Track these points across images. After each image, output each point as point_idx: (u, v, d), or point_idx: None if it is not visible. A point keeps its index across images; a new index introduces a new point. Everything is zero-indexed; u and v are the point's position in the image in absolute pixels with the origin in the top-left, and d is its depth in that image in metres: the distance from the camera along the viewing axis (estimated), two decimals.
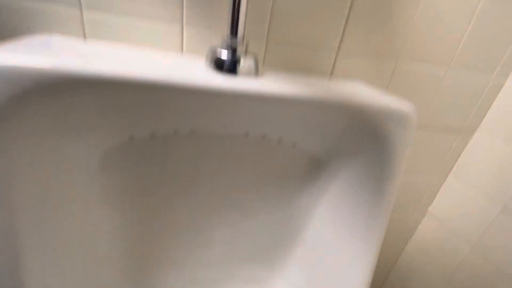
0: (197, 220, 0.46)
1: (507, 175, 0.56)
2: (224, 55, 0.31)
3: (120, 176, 0.35)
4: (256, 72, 0.33)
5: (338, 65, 0.45)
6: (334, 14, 0.40)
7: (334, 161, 0.41)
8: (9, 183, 0.24)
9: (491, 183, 0.59)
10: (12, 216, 0.24)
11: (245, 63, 0.31)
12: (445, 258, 0.70)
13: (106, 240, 0.38)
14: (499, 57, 0.50)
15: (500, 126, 0.56)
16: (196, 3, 0.35)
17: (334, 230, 0.43)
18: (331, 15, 0.40)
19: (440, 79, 0.50)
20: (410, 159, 0.61)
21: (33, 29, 0.33)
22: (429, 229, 0.73)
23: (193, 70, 0.30)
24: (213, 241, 0.51)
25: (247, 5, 0.30)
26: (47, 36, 0.33)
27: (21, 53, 0.23)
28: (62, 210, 0.30)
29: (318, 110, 0.33)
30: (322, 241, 0.45)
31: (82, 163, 0.31)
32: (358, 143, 0.36)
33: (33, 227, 0.27)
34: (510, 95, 0.54)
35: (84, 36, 0.35)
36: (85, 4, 0.33)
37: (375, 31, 0.43)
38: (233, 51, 0.31)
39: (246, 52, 0.32)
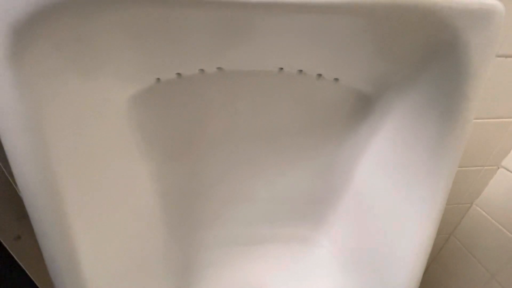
0: (233, 171, 0.44)
1: None
2: None
3: (149, 123, 0.34)
4: None
5: None
6: None
7: (388, 92, 0.34)
8: (39, 132, 0.23)
9: None
10: (50, 167, 0.24)
11: None
12: None
13: (143, 190, 0.38)
14: None
15: None
16: None
17: (388, 177, 0.37)
18: None
19: None
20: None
21: None
22: (502, 184, 0.62)
23: None
24: (250, 195, 0.49)
25: None
26: None
27: None
28: (96, 160, 0.30)
29: (368, 18, 0.26)
30: (374, 191, 0.40)
31: (111, 108, 0.30)
32: (421, 60, 0.29)
33: (70, 177, 0.27)
34: None
35: None
36: None
37: None
38: None
39: None
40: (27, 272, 0.50)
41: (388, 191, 0.37)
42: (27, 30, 0.20)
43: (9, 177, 0.44)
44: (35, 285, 0.52)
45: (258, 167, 0.45)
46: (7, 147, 0.23)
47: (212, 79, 0.33)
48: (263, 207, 0.53)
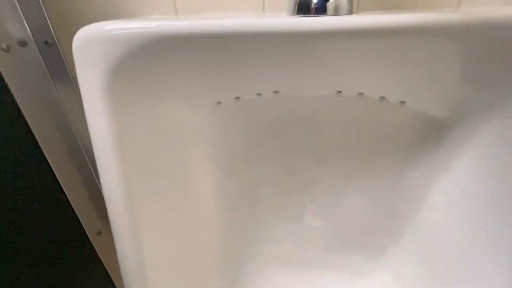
0: (288, 193, 0.44)
1: None
2: None
3: (211, 141, 0.37)
4: (350, 9, 0.27)
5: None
6: None
7: (471, 117, 0.30)
8: (121, 147, 0.27)
9: None
10: (127, 174, 0.28)
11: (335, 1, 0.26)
12: None
13: (204, 202, 0.40)
14: None
15: None
16: None
17: (469, 213, 0.32)
18: None
19: None
20: None
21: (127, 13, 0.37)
22: None
23: (276, 19, 0.27)
24: (303, 218, 0.48)
25: None
26: (146, 15, 0.38)
27: (127, 22, 0.25)
28: (164, 171, 0.34)
29: (436, 39, 0.24)
30: (448, 227, 0.34)
31: (178, 128, 0.33)
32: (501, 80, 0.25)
33: (141, 184, 0.30)
34: None
35: (176, 13, 0.38)
36: None
37: None
38: None
39: None
40: (104, 264, 0.57)
41: (467, 230, 0.32)
42: (117, 71, 0.25)
43: (96, 179, 0.52)
44: (109, 275, 0.60)
45: (313, 191, 0.44)
46: (97, 157, 0.27)
47: (269, 103, 0.34)
48: (317, 231, 0.51)
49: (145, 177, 0.31)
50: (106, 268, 0.60)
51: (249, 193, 0.46)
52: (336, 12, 0.25)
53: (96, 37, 0.24)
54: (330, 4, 0.25)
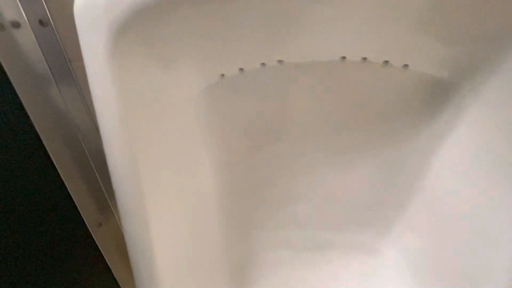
0: (291, 167, 0.43)
1: None
2: None
3: (214, 115, 0.36)
4: None
5: None
6: None
7: (473, 77, 0.30)
8: (127, 117, 0.26)
9: None
10: (132, 141, 0.27)
11: None
12: None
13: (205, 176, 0.40)
14: None
15: None
16: None
17: (475, 173, 0.32)
18: None
19: None
20: None
21: None
22: None
23: None
24: (306, 196, 0.48)
25: None
26: None
27: None
28: (168, 142, 0.33)
29: None
30: (455, 191, 0.35)
31: (183, 98, 0.33)
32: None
33: (146, 155, 0.30)
34: None
35: None
36: None
37: None
38: None
39: None
40: (104, 256, 0.56)
41: (475, 191, 0.32)
42: (123, 32, 0.24)
43: (96, 172, 0.51)
44: (109, 267, 0.58)
45: (317, 165, 0.44)
46: (102, 129, 0.26)
47: (273, 72, 0.34)
48: (320, 209, 0.50)
49: (151, 154, 0.31)
50: (107, 260, 0.58)
51: (251, 174, 0.45)
52: None
53: None
54: None
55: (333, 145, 0.41)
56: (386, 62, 0.33)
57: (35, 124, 0.39)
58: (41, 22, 0.36)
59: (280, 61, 0.33)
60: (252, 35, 0.30)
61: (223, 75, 0.34)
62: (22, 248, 0.40)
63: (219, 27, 0.28)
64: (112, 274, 0.58)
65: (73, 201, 0.49)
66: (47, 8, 0.36)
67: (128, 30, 0.24)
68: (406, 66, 0.33)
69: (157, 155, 0.32)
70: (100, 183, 0.53)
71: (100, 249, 0.55)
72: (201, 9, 0.25)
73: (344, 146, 0.40)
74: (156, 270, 0.32)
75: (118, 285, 0.61)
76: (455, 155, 0.35)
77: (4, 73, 0.36)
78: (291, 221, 0.52)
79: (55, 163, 0.43)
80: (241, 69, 0.34)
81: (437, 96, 0.34)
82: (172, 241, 0.36)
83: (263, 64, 0.33)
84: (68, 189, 0.47)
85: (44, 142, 0.41)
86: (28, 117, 0.38)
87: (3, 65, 0.35)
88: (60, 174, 0.45)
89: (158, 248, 0.31)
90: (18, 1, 0.35)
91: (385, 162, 0.41)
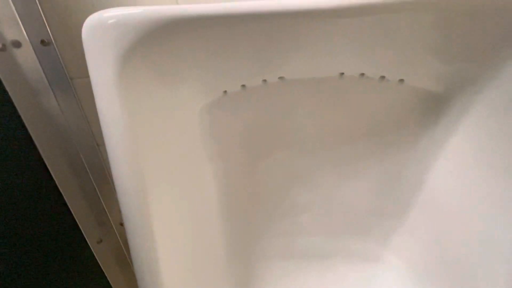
0: (292, 179, 0.44)
1: None
2: None
3: (216, 130, 0.37)
4: None
5: None
6: None
7: (464, 91, 0.32)
8: (134, 137, 0.27)
9: None
10: (139, 157, 0.28)
11: None
12: None
13: (208, 187, 0.40)
14: None
15: None
16: None
17: (471, 180, 0.33)
18: None
19: None
20: None
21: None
22: None
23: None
24: (308, 206, 0.48)
25: None
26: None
27: (136, 8, 0.25)
28: (172, 156, 0.34)
29: (436, 14, 0.26)
30: (453, 196, 0.36)
31: (187, 115, 0.33)
32: (502, 57, 0.27)
33: (152, 168, 0.30)
34: None
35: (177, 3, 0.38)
36: None
37: None
38: None
39: None
40: (104, 270, 0.55)
41: (471, 196, 0.33)
42: (130, 55, 0.25)
43: (95, 187, 0.51)
44: (109, 283, 0.57)
45: (318, 177, 0.44)
46: (109, 149, 0.26)
47: (274, 88, 0.35)
48: (323, 218, 0.51)
49: (156, 168, 0.31)
50: (107, 276, 0.57)
51: (254, 185, 0.46)
52: None
53: (106, 22, 0.23)
54: None
55: (334, 157, 0.42)
56: (383, 77, 0.34)
57: (35, 141, 0.39)
58: (42, 42, 0.36)
59: (281, 78, 0.34)
60: (253, 54, 0.31)
61: (225, 91, 0.35)
62: (22, 265, 0.39)
63: (221, 48, 0.29)
64: None
65: (74, 218, 0.48)
66: (49, 28, 0.36)
67: (135, 53, 0.24)
68: (401, 81, 0.34)
69: (162, 168, 0.32)
70: (100, 199, 0.52)
71: (101, 265, 0.54)
72: (202, 33, 0.26)
73: (344, 158, 0.41)
74: (161, 282, 0.32)
75: None
76: (452, 164, 0.36)
77: (5, 91, 0.36)
78: (294, 230, 0.53)
79: (55, 179, 0.43)
80: (243, 86, 0.35)
81: (432, 108, 0.35)
82: (177, 252, 0.36)
83: (264, 80, 0.34)
84: (68, 205, 0.47)
85: (44, 158, 0.41)
86: (28, 133, 0.38)
87: (4, 83, 0.35)
88: (60, 190, 0.44)
89: (163, 259, 0.32)
90: (19, 21, 0.35)
91: (385, 172, 0.42)
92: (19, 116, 0.37)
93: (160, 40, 0.25)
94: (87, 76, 0.26)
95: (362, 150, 0.40)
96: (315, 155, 0.42)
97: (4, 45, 0.34)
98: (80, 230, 0.49)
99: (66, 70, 0.39)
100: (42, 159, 0.40)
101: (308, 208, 0.50)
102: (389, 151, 0.39)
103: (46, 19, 0.36)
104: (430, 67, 0.32)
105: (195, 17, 0.24)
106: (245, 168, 0.42)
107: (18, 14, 0.35)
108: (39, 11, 0.35)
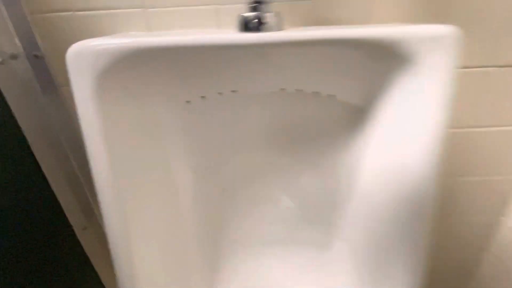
0: (251, 178, 0.52)
1: None
2: (249, 16, 0.35)
3: (182, 137, 0.44)
4: (280, 28, 0.36)
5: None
6: None
7: (376, 106, 0.40)
8: (109, 139, 0.34)
9: None
10: (114, 166, 0.35)
11: (269, 21, 0.35)
12: None
13: (182, 193, 0.48)
14: None
15: None
16: None
17: (382, 176, 0.42)
18: None
19: None
20: None
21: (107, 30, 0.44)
22: None
23: (225, 34, 0.36)
24: (270, 200, 0.56)
25: None
26: (125, 32, 0.45)
27: (109, 39, 0.33)
28: (146, 162, 0.41)
29: (343, 49, 0.34)
30: (376, 192, 0.44)
31: (156, 125, 0.41)
32: (391, 79, 0.35)
33: (126, 176, 0.37)
34: None
35: (150, 30, 0.45)
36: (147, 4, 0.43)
37: None
38: (256, 12, 0.35)
39: (269, 12, 0.35)
40: (88, 256, 0.62)
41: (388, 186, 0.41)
42: (103, 77, 0.32)
43: (80, 178, 0.57)
44: (94, 269, 0.64)
45: (273, 175, 0.52)
46: (89, 151, 0.34)
47: (229, 99, 0.42)
48: (282, 212, 0.59)
49: (130, 167, 0.38)
50: (92, 263, 0.64)
51: (220, 180, 0.53)
52: (268, 30, 0.34)
53: (85, 51, 0.31)
54: (264, 24, 0.34)
55: (283, 159, 0.50)
56: (317, 92, 0.42)
57: (27, 136, 0.46)
58: (36, 56, 0.43)
59: (234, 91, 0.42)
60: (208, 74, 0.38)
61: (188, 101, 0.42)
62: (6, 252, 0.45)
63: (181, 70, 0.36)
64: (98, 277, 0.64)
65: (60, 205, 0.55)
66: (41, 45, 0.43)
67: (107, 75, 0.32)
68: (332, 96, 0.42)
69: (136, 166, 0.40)
70: (85, 187, 0.59)
71: (86, 252, 0.61)
72: (162, 61, 0.34)
73: (292, 159, 0.49)
74: (135, 268, 0.39)
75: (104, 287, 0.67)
76: (371, 162, 0.44)
77: (3, 97, 0.42)
78: (255, 221, 0.61)
79: (43, 169, 0.50)
80: (203, 97, 0.42)
81: (357, 117, 0.43)
82: (151, 238, 0.43)
83: (220, 93, 0.42)
84: (55, 193, 0.53)
85: (34, 150, 0.48)
86: (21, 130, 0.45)
87: (2, 90, 0.42)
88: (47, 178, 0.51)
89: (137, 249, 0.39)
90: (16, 39, 0.42)
91: (326, 171, 0.50)
92: (13, 116, 0.44)
93: (129, 67, 0.33)
94: None
95: (306, 152, 0.48)
96: (268, 157, 0.50)
97: (3, 59, 0.41)
98: (65, 217, 0.56)
99: (55, 79, 0.46)
100: (32, 151, 0.47)
101: (267, 201, 0.58)
102: (327, 153, 0.47)
103: (38, 37, 0.43)
104: (353, 84, 0.40)
105: (152, 47, 0.32)
106: (212, 165, 0.50)
107: (16, 33, 0.42)
108: (31, 30, 0.42)
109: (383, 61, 0.35)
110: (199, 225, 0.55)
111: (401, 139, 0.37)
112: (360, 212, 0.51)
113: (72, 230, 0.58)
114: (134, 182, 0.39)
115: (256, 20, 0.34)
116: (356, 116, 0.42)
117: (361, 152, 0.44)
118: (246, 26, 0.35)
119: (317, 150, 0.48)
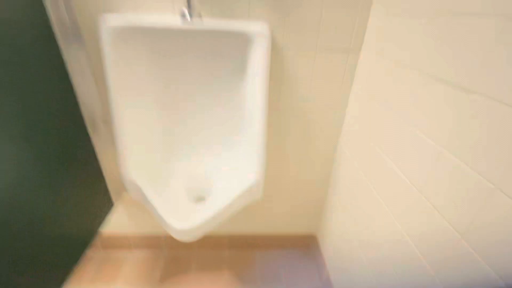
0: (191, 97, 0.96)
1: None
2: (184, 11, 0.77)
3: (148, 70, 0.87)
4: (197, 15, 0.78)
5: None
6: None
7: (246, 63, 0.85)
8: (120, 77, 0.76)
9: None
10: (113, 89, 0.77)
11: (193, 14, 0.77)
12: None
13: (151, 102, 0.91)
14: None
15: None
16: None
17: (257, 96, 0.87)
18: None
19: None
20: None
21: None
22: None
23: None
24: (197, 125, 1.01)
25: None
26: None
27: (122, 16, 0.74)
28: (136, 88, 0.83)
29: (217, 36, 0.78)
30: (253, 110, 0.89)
31: (139, 66, 0.83)
32: (248, 49, 0.80)
33: (120, 96, 0.79)
34: None
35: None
36: None
37: None
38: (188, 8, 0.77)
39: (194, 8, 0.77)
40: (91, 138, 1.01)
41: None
42: (119, 36, 0.73)
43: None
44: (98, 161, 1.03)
45: (198, 109, 0.98)
46: (106, 74, 0.76)
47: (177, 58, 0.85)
48: (201, 129, 1.02)
49: (122, 91, 0.80)
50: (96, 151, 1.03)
51: (175, 99, 0.96)
52: (185, 18, 0.77)
53: (110, 22, 0.72)
54: (185, 15, 0.77)
55: (203, 93, 0.94)
56: (220, 54, 0.86)
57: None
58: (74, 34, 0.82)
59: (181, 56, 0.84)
60: (167, 45, 0.81)
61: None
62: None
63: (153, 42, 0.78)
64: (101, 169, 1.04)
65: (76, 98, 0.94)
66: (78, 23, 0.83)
67: (122, 36, 0.73)
68: (229, 58, 0.86)
69: (128, 87, 0.81)
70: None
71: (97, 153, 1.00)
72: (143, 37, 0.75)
73: (208, 95, 0.94)
74: (127, 148, 0.82)
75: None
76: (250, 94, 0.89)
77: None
78: (188, 134, 1.04)
79: (69, 72, 0.88)
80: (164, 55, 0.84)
81: (240, 69, 0.87)
82: (136, 132, 0.86)
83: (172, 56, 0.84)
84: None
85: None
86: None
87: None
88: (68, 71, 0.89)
89: (127, 136, 0.81)
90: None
91: (229, 106, 0.95)
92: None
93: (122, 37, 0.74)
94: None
95: (215, 88, 0.93)
96: (200, 87, 0.94)
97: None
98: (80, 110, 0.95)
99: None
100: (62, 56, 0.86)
101: (197, 126, 1.02)
102: (230, 96, 0.92)
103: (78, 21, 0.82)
104: (236, 51, 0.84)
105: (137, 27, 0.73)
106: (172, 89, 0.92)
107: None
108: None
109: (244, 40, 0.79)
110: (163, 124, 0.99)
111: (252, 80, 0.82)
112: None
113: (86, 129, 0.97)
114: (128, 99, 0.81)
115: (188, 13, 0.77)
116: (240, 68, 0.87)
117: (244, 89, 0.89)
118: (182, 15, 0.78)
119: (224, 85, 0.92)
